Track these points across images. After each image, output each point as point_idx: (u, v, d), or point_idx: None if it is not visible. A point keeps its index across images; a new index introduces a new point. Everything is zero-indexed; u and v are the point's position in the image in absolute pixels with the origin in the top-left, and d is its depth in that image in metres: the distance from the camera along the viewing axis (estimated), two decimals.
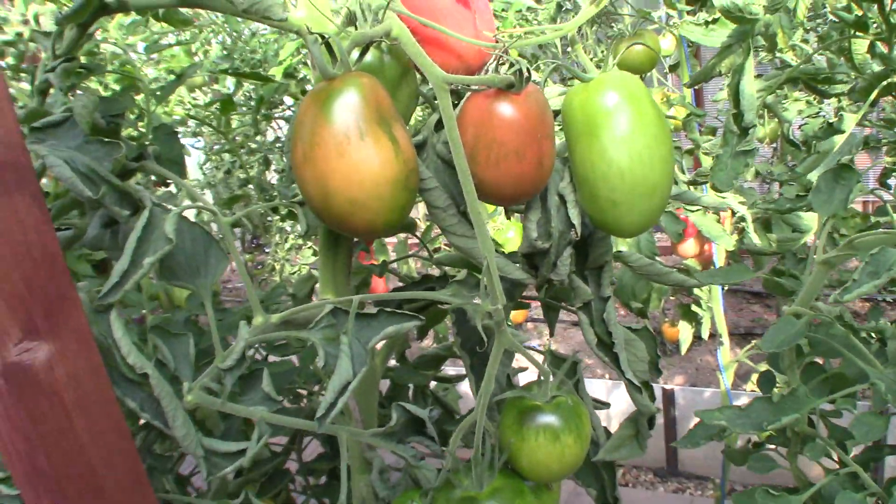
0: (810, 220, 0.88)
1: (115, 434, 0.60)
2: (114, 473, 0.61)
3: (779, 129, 2.43)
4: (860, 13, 0.81)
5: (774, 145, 2.49)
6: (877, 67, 0.84)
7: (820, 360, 0.76)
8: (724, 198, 0.97)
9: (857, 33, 0.83)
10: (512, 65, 0.64)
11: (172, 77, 1.19)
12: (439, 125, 0.80)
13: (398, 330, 0.73)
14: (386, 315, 0.74)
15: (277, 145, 1.96)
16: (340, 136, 0.63)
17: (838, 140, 0.82)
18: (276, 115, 1.84)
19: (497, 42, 0.68)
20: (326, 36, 0.67)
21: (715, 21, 0.79)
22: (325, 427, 0.71)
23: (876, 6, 0.78)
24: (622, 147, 0.67)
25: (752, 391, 1.87)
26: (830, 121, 0.81)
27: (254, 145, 1.80)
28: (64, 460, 0.58)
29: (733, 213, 1.76)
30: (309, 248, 2.38)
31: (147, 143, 0.82)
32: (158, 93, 0.85)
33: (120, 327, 0.62)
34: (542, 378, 0.76)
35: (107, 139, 0.67)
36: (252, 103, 1.53)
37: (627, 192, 0.68)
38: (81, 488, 0.59)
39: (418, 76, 0.77)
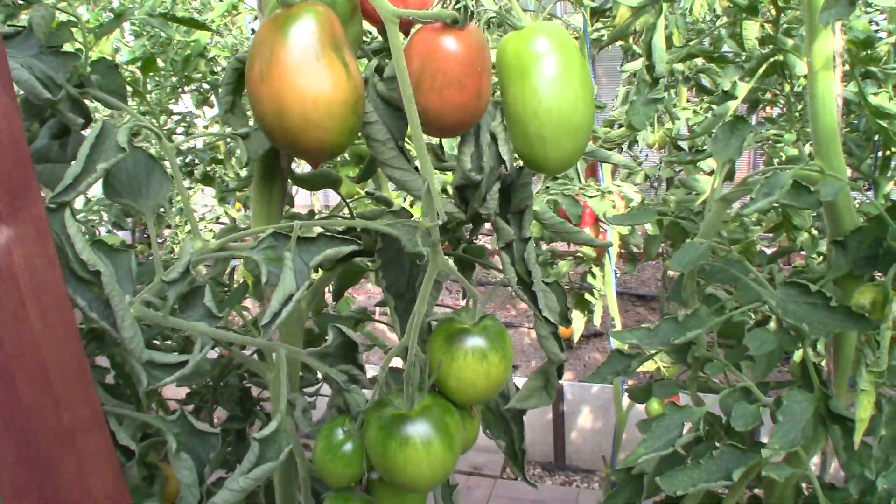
0: (705, 182, 0.98)
1: (65, 328, 0.62)
2: (61, 367, 0.62)
3: (667, 137, 2.61)
4: None
5: (663, 151, 2.67)
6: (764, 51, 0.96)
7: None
8: (629, 163, 1.08)
9: (748, 17, 0.95)
10: (457, 1, 0.70)
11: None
12: (379, 69, 0.85)
13: (337, 252, 0.78)
14: (326, 239, 0.78)
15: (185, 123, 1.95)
16: (297, 56, 0.67)
17: (732, 105, 0.93)
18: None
19: None
20: None
21: None
22: (265, 343, 0.74)
23: None
24: (552, 87, 0.74)
25: (643, 371, 2.01)
26: (725, 89, 0.92)
27: (173, 110, 1.79)
28: (16, 348, 0.59)
29: (627, 203, 1.89)
30: (209, 231, 2.36)
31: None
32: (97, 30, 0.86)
33: (74, 224, 0.63)
34: (469, 302, 0.82)
35: (62, 50, 0.68)
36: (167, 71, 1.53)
37: (555, 129, 0.75)
38: (30, 379, 0.60)
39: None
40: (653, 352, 0.94)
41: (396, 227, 0.83)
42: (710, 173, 1.01)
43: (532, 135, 0.76)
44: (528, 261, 0.90)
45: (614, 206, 1.75)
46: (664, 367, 1.93)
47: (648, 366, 1.98)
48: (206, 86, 1.93)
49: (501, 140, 0.80)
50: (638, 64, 0.94)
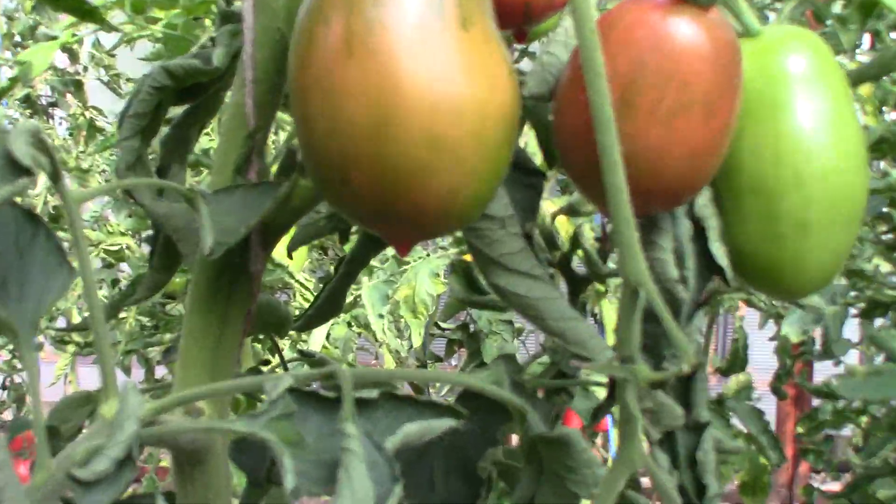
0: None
1: None
2: None
3: None
4: None
5: None
6: None
7: None
8: None
9: None
10: None
11: None
12: None
13: (423, 430, 0.55)
14: (391, 403, 0.55)
15: None
16: (428, 15, 0.48)
17: None
18: None
19: None
20: None
21: None
22: None
23: None
24: (829, 134, 0.59)
25: None
26: None
27: None
28: None
29: None
30: None
31: None
32: None
33: None
34: None
35: None
36: None
37: (828, 209, 0.59)
38: None
39: None
40: None
41: (505, 387, 0.61)
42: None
43: (787, 216, 0.60)
44: (703, 466, 0.69)
45: None
46: None
47: None
48: None
49: (713, 230, 0.61)
50: None
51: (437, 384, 2.65)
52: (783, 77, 0.59)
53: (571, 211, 0.88)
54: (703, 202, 0.62)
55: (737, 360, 1.86)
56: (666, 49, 0.53)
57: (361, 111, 0.47)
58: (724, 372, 1.88)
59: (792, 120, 0.59)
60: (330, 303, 0.90)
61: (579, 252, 0.84)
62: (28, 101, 2.50)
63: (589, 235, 0.82)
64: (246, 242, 0.66)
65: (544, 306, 0.60)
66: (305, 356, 1.03)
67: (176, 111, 0.77)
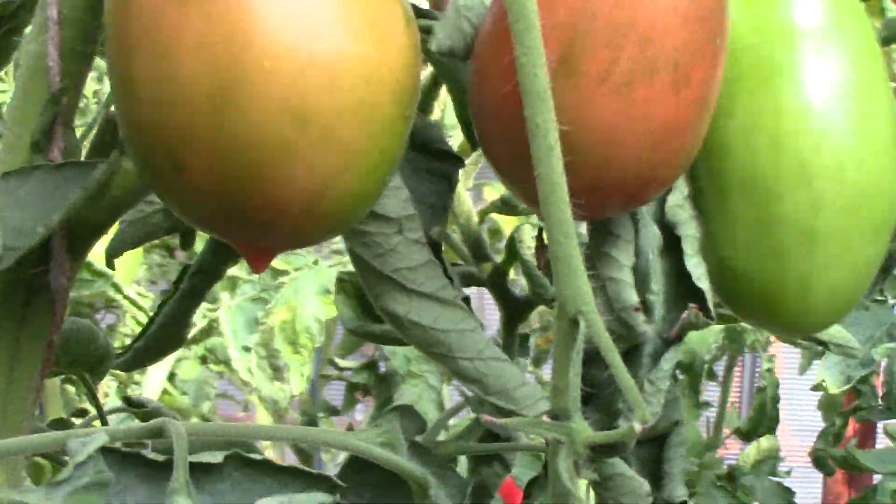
0: None
1: None
2: None
3: None
4: None
5: None
6: None
7: None
8: None
9: None
10: None
11: None
12: None
13: None
14: (244, 471, 0.59)
15: None
16: None
17: None
18: None
19: None
20: None
21: None
22: None
23: None
24: (849, 112, 0.63)
25: None
26: None
27: None
28: None
29: None
30: None
31: None
32: None
33: None
34: None
35: None
36: None
37: (846, 213, 0.64)
38: None
39: None
40: None
41: (401, 451, 0.64)
42: None
43: (788, 222, 0.64)
44: None
45: None
46: None
47: None
48: None
49: (689, 241, 0.65)
50: None
51: (334, 450, 2.67)
52: (787, 32, 0.63)
53: (507, 206, 0.91)
54: (677, 202, 0.67)
55: (763, 419, 1.86)
56: None
57: (200, 71, 0.50)
58: (746, 435, 1.88)
59: (797, 92, 0.63)
60: (168, 331, 0.93)
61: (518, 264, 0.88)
62: None
63: (530, 241, 0.85)
64: (46, 247, 0.69)
65: (456, 341, 0.63)
66: (133, 405, 1.04)
67: None
